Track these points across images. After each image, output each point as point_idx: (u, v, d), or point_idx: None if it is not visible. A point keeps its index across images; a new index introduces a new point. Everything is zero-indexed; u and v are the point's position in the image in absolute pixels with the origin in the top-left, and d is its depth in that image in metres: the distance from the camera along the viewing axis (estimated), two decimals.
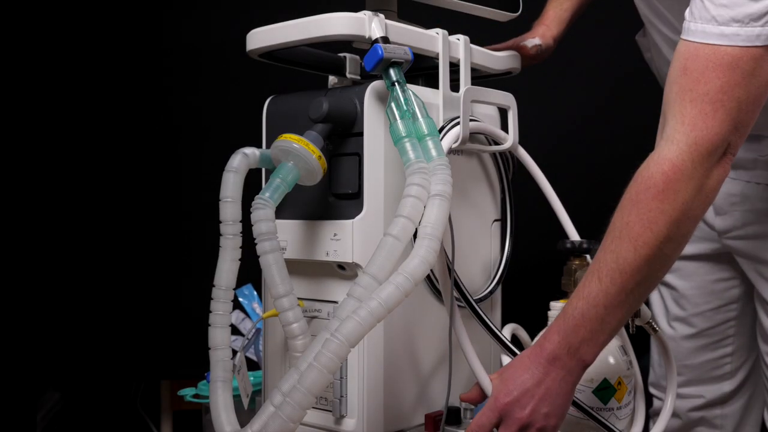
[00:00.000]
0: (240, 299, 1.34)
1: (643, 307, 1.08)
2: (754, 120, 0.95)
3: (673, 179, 0.91)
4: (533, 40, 1.30)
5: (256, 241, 0.93)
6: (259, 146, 1.10)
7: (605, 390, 1.02)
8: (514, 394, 0.95)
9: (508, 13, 1.21)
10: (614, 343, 1.07)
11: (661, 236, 0.92)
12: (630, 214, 0.94)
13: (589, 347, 0.94)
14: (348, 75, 1.11)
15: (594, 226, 1.07)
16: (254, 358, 1.32)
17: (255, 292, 1.38)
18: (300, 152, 0.95)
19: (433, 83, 1.08)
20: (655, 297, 1.48)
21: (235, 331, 1.25)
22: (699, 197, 0.93)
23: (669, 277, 1.43)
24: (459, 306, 1.00)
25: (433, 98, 1.07)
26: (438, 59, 1.08)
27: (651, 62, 1.40)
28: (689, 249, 1.33)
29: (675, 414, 1.45)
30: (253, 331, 1.26)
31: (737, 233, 1.32)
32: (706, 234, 1.37)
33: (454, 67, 1.09)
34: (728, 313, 1.42)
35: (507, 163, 1.21)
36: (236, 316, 1.35)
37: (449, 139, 1.04)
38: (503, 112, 1.17)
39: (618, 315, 0.94)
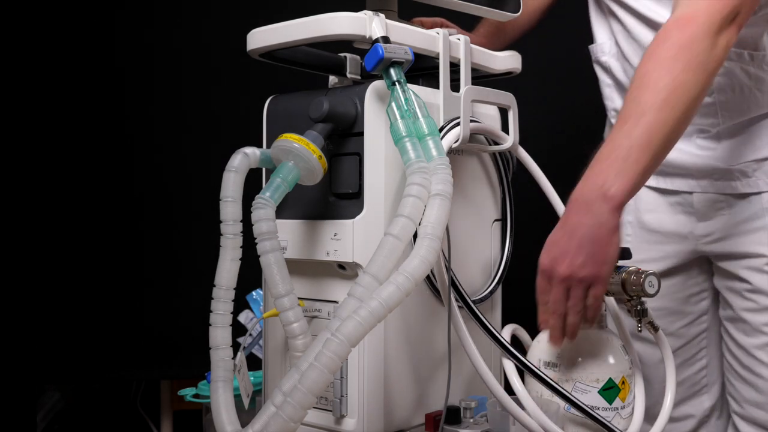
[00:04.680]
0: (249, 303, 1.33)
1: (648, 309, 1.08)
2: None
3: (689, 34, 1.01)
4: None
5: (256, 241, 0.93)
6: (260, 146, 1.10)
7: (610, 390, 1.03)
8: (552, 254, 0.99)
9: (509, 13, 1.20)
10: (616, 343, 1.07)
11: (678, 80, 0.99)
12: (648, 63, 1.02)
13: (616, 184, 0.97)
14: (348, 75, 1.11)
15: None
16: (260, 355, 1.32)
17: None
18: (300, 152, 0.95)
19: (434, 83, 1.08)
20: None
21: (244, 331, 1.25)
22: (711, 54, 1.01)
23: None
24: (459, 307, 1.00)
25: (433, 98, 1.07)
26: (438, 59, 1.08)
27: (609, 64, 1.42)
28: (660, 265, 1.34)
29: None
30: (258, 328, 1.25)
31: (718, 236, 1.33)
32: (680, 243, 1.38)
33: (454, 67, 1.09)
34: (700, 326, 1.43)
35: (507, 163, 1.21)
36: (245, 317, 1.35)
37: (449, 139, 1.04)
38: (503, 112, 1.17)
39: (644, 156, 0.98)
